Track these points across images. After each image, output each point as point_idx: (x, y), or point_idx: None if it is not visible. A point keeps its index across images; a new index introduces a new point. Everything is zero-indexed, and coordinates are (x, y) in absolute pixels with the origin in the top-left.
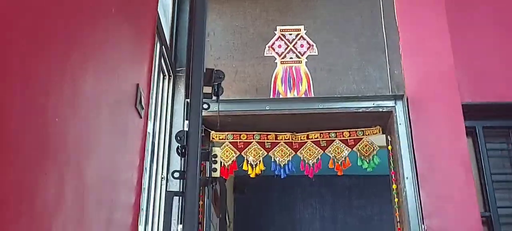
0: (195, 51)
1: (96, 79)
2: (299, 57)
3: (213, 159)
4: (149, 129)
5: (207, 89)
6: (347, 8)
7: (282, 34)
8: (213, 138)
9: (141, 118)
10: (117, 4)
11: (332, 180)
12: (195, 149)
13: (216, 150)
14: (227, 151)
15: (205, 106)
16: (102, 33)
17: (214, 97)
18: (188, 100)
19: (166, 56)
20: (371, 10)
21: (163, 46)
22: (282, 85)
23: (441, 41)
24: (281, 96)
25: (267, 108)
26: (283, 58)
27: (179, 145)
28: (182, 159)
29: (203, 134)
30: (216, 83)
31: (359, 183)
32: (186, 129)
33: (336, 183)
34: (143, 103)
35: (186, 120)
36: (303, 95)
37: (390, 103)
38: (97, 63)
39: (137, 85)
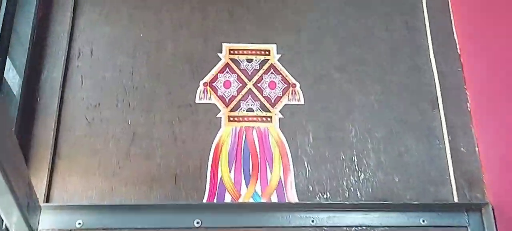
0: None
1: None
2: (267, 110)
3: None
4: None
5: None
6: (361, 12)
7: (232, 59)
8: None
9: None
10: None
11: None
12: None
13: None
14: None
15: None
16: None
17: None
18: None
19: None
20: (406, 22)
21: None
22: (230, 170)
23: None
24: (227, 197)
25: (196, 225)
26: (233, 110)
27: None
28: None
29: None
30: None
31: None
32: None
33: None
34: None
35: None
36: (275, 198)
37: (456, 218)
38: None
39: None
